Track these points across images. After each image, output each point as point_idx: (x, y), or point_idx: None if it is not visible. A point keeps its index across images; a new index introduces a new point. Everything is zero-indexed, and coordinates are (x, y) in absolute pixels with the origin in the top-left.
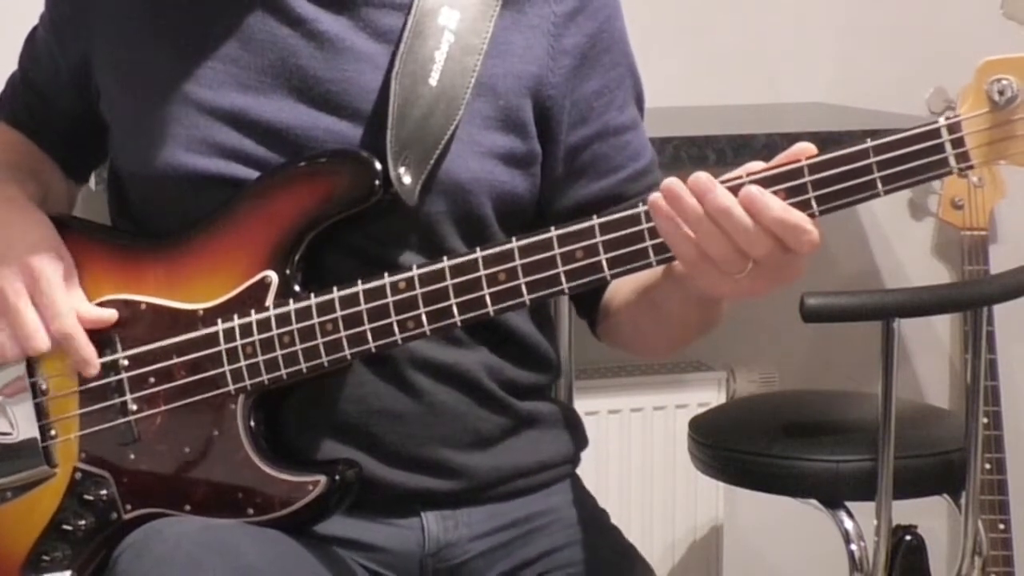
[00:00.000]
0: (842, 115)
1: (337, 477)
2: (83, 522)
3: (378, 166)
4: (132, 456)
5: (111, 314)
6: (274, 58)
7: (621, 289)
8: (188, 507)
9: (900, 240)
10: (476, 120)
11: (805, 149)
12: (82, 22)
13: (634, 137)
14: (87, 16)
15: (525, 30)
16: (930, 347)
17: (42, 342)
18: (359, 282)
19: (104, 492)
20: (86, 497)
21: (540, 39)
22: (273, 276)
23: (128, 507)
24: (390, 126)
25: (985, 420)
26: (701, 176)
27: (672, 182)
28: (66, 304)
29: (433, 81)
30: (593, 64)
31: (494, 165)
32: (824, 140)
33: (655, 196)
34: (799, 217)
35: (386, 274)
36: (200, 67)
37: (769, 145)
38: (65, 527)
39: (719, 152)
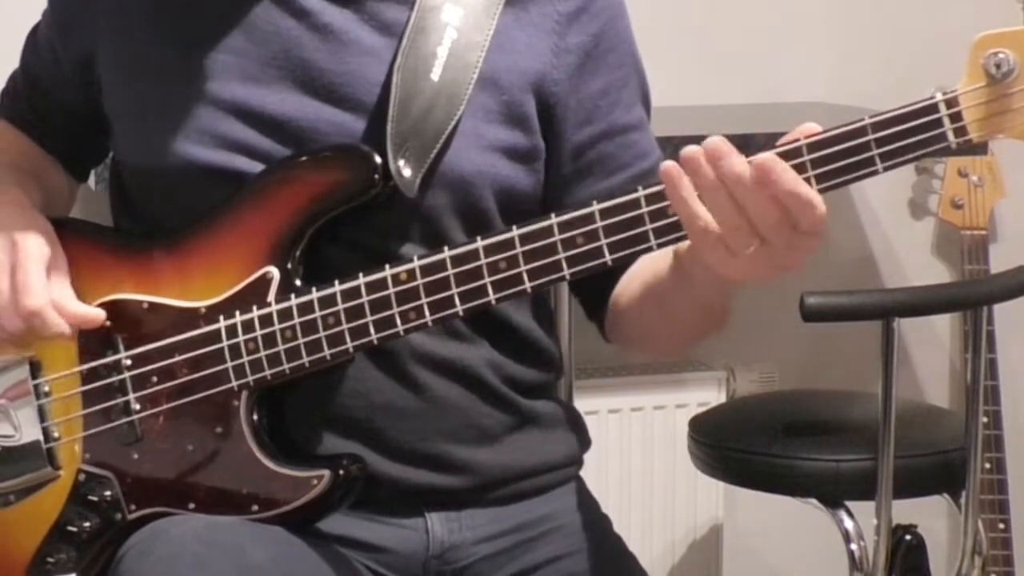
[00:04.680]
0: (842, 114)
1: (341, 472)
2: (87, 524)
3: (377, 159)
4: (135, 456)
5: (98, 312)
6: (278, 50)
7: (629, 287)
8: (192, 505)
9: (900, 239)
10: (479, 114)
11: (808, 129)
12: (85, 16)
13: (641, 137)
14: (90, 11)
15: (528, 27)
16: (930, 346)
17: (11, 321)
18: (360, 275)
19: (108, 493)
20: (90, 498)
21: (543, 37)
22: (275, 272)
23: (132, 507)
24: (390, 119)
25: (985, 419)
26: (716, 141)
27: (691, 149)
28: (39, 283)
29: (435, 76)
30: (597, 63)
31: (496, 159)
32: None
33: (668, 163)
34: (810, 192)
35: (387, 266)
36: (204, 58)
37: (769, 144)
38: (70, 529)
39: None
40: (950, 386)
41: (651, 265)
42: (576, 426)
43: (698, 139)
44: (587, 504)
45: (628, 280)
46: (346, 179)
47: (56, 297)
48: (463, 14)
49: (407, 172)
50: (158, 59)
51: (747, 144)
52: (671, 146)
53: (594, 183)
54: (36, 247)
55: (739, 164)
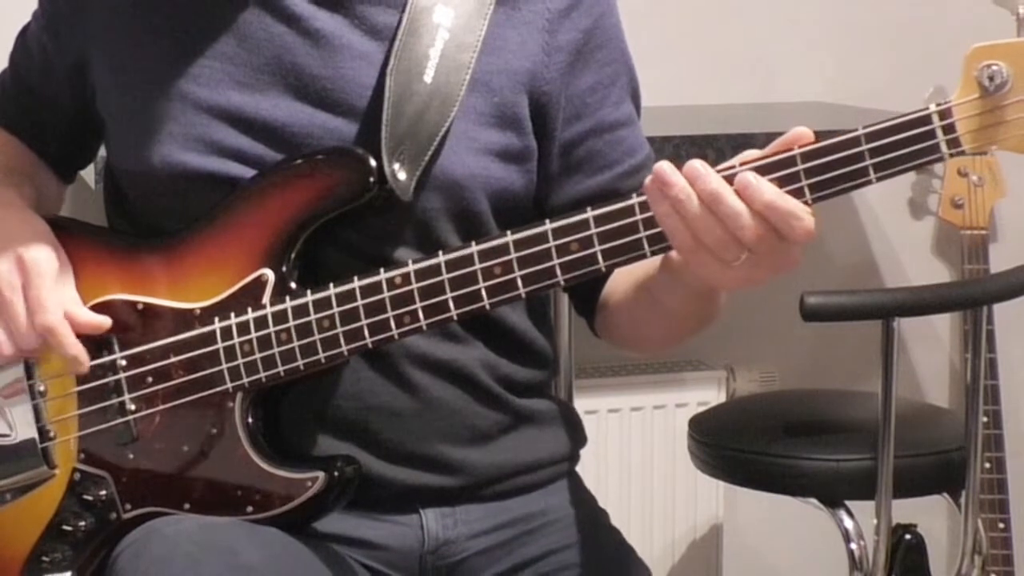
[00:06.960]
0: (841, 114)
1: (336, 473)
2: (83, 523)
3: (372, 163)
4: (131, 456)
5: (103, 319)
6: (270, 56)
7: (619, 284)
8: (187, 506)
9: (900, 239)
10: (471, 116)
11: (801, 135)
12: (78, 20)
13: (629, 133)
14: (83, 14)
15: (519, 26)
16: (930, 346)
17: (28, 339)
18: (355, 278)
19: (103, 492)
20: (85, 497)
21: (534, 35)
22: (269, 274)
23: (127, 507)
24: (385, 123)
25: (985, 419)
26: (694, 163)
27: (663, 166)
28: (53, 299)
29: (428, 78)
30: (587, 60)
31: (490, 161)
32: (823, 139)
33: (648, 181)
34: (792, 204)
35: (382, 270)
36: (196, 65)
37: (768, 144)
38: (65, 528)
39: (719, 151)
40: (950, 386)
41: (644, 263)
42: (571, 422)
43: (698, 139)
44: (583, 498)
45: (620, 277)
46: (341, 182)
47: (67, 308)
48: (454, 15)
49: (402, 176)
50: (151, 65)
51: (747, 143)
52: (671, 146)
53: (583, 179)
54: (44, 261)
55: (715, 183)
